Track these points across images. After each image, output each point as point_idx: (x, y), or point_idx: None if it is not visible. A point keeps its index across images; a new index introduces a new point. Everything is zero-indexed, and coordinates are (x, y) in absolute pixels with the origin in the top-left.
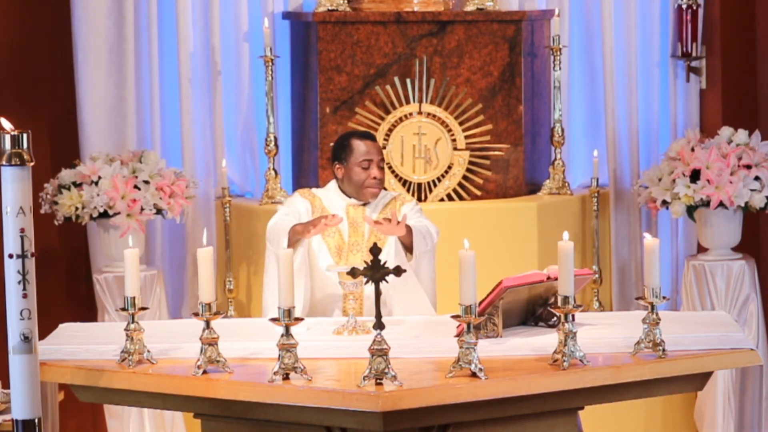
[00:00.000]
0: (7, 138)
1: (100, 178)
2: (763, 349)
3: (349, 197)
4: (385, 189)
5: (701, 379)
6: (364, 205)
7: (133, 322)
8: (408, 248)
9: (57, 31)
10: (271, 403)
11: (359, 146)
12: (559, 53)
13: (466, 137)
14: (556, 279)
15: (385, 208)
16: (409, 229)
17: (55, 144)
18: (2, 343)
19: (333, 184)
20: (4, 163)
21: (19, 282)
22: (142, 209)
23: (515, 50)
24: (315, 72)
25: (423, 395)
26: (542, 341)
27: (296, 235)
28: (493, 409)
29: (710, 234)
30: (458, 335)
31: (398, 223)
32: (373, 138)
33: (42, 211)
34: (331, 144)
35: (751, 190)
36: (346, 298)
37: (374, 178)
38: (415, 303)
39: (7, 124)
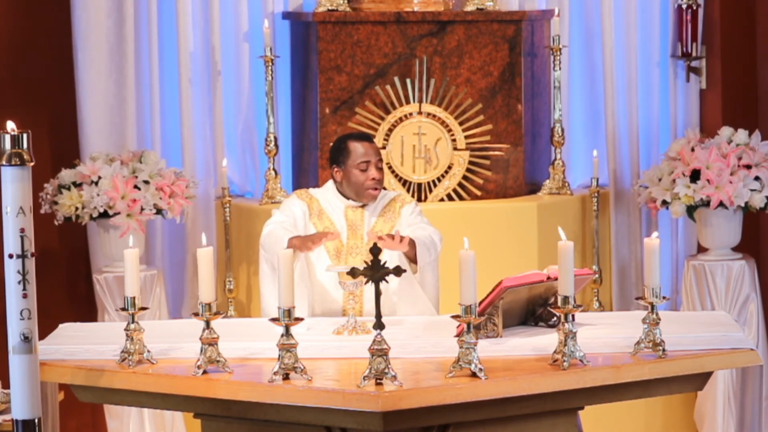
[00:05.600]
0: (7, 138)
1: (100, 178)
2: (763, 349)
3: (348, 199)
4: (385, 188)
5: (701, 379)
6: (363, 206)
7: (133, 322)
8: (413, 260)
9: (57, 31)
10: (271, 403)
11: (357, 148)
12: (559, 53)
13: (466, 137)
14: (556, 279)
15: (384, 210)
16: (412, 241)
17: (55, 144)
18: (2, 343)
19: (331, 185)
20: (4, 163)
21: (19, 282)
22: (142, 209)
23: (515, 50)
24: (315, 72)
25: (423, 395)
26: (542, 341)
27: (293, 249)
28: (493, 409)
29: (710, 234)
30: (458, 335)
31: (401, 239)
32: (370, 139)
33: (42, 211)
34: (330, 146)
35: (751, 190)
36: (346, 299)
37: (373, 179)
38: (418, 311)
39: (10, 124)
